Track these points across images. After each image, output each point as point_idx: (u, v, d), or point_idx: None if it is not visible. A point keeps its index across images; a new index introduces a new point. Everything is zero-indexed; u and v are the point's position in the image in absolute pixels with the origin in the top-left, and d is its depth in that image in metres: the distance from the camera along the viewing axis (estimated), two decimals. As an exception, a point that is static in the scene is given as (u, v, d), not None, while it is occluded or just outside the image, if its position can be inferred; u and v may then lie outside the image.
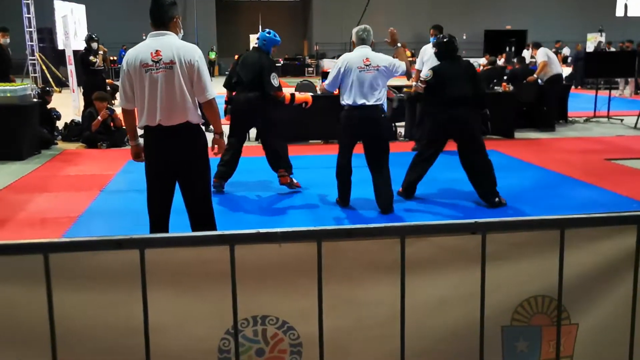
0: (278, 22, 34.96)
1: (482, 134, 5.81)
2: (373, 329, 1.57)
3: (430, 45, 8.26)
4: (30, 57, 19.12)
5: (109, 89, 12.03)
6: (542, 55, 10.44)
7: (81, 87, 10.86)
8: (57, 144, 9.06)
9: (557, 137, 9.89)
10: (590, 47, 23.07)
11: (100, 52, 9.78)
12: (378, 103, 5.11)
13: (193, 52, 3.53)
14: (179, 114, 3.53)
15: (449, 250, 1.56)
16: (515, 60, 17.55)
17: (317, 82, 12.06)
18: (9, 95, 7.84)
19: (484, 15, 32.98)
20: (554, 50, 21.52)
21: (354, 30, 5.32)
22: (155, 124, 3.54)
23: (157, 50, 3.48)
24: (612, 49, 21.56)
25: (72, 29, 13.25)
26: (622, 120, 11.45)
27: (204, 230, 3.60)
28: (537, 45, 10.96)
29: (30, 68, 19.19)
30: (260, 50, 6.01)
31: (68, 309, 1.44)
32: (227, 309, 1.45)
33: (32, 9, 18.85)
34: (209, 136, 3.72)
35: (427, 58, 8.23)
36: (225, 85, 6.41)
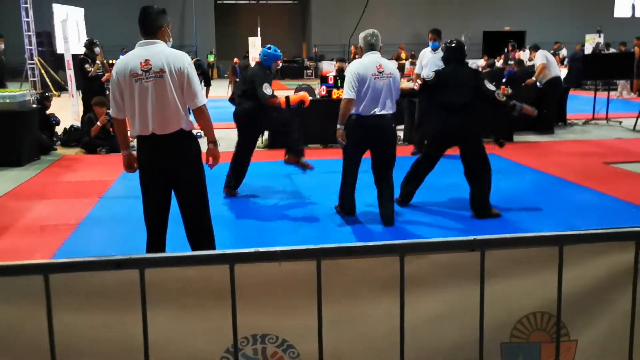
0: (277, 25, 35.05)
1: (530, 118, 5.90)
2: (373, 346, 1.58)
3: (429, 49, 8.29)
4: (29, 62, 19.12)
5: (107, 92, 12.04)
6: (541, 57, 10.45)
7: (80, 92, 10.86)
8: (56, 149, 9.07)
9: (556, 140, 9.90)
10: (588, 48, 23.09)
11: (98, 61, 9.77)
12: (391, 112, 5.00)
13: (182, 60, 3.54)
14: (172, 122, 3.53)
15: (448, 267, 1.56)
16: (512, 62, 17.57)
17: (315, 84, 12.08)
18: (8, 101, 7.85)
19: (482, 16, 33.01)
20: (552, 51, 21.57)
21: (362, 36, 5.08)
22: (148, 133, 3.54)
23: (146, 60, 3.48)
24: (612, 50, 21.58)
25: (71, 34, 13.21)
26: (620, 122, 11.46)
27: (200, 240, 3.75)
28: (535, 48, 10.98)
29: (29, 72, 19.18)
30: (261, 65, 6.08)
31: (68, 328, 1.44)
32: (227, 328, 1.45)
33: (30, 13, 18.85)
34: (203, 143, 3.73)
35: (425, 62, 8.25)
36: (230, 101, 6.55)
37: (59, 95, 17.82)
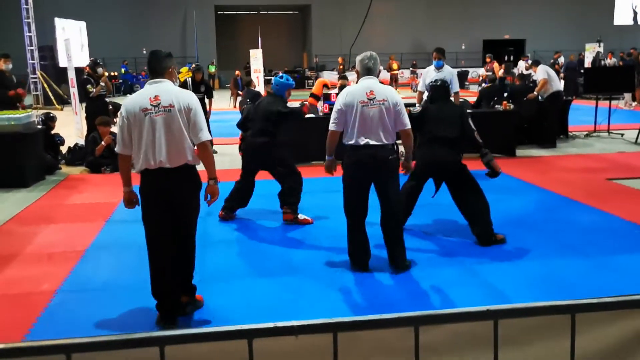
0: (277, 35, 35.24)
1: (493, 174, 5.52)
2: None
3: (432, 67, 8.32)
4: (32, 76, 19.23)
5: (110, 107, 12.10)
6: (542, 73, 10.51)
7: (83, 106, 10.92)
8: (60, 168, 9.11)
9: (558, 154, 9.93)
10: (588, 57, 23.18)
11: (102, 83, 9.84)
12: (386, 142, 4.47)
13: (190, 98, 3.76)
14: (180, 154, 3.67)
15: (462, 336, 1.59)
16: (515, 72, 17.64)
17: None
18: (13, 123, 7.90)
19: (482, 24, 33.15)
20: (552, 61, 21.66)
21: (359, 59, 4.67)
22: (155, 167, 3.64)
23: (155, 95, 3.66)
24: (614, 59, 21.64)
25: (74, 51, 13.29)
26: (622, 135, 11.49)
27: (187, 262, 3.88)
28: (536, 63, 11.04)
29: (31, 86, 19.29)
30: (274, 95, 6.08)
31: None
32: (245, 400, 1.48)
33: (33, 27, 18.98)
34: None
35: (429, 81, 8.25)
36: (238, 126, 6.55)
37: (61, 109, 17.91)
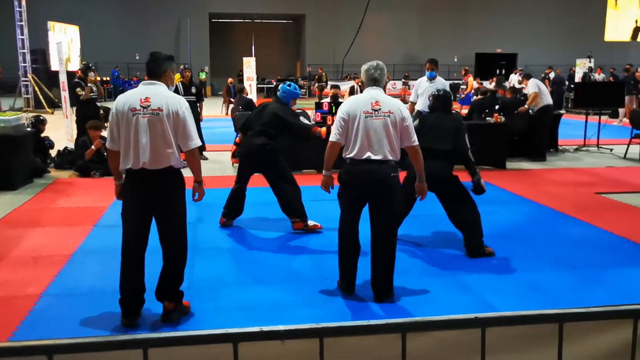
0: (271, 44, 35.31)
1: (480, 192, 5.43)
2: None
3: (425, 78, 8.37)
4: (23, 79, 19.13)
5: (101, 112, 12.04)
6: (533, 86, 10.58)
7: (74, 110, 10.86)
8: (49, 172, 9.04)
9: (548, 167, 9.98)
10: (579, 72, 23.41)
11: (90, 84, 9.78)
12: (388, 158, 4.12)
13: (180, 103, 3.74)
14: (162, 158, 3.67)
15: (449, 344, 1.58)
16: (506, 85, 17.78)
17: (310, 104, 12.16)
18: (2, 125, 7.85)
19: (474, 38, 33.40)
20: (543, 75, 21.86)
21: (364, 68, 4.35)
22: (138, 167, 3.67)
23: (146, 97, 3.68)
24: (602, 74, 21.88)
25: (66, 55, 13.23)
26: (611, 149, 11.58)
27: (176, 266, 3.84)
28: (527, 76, 11.13)
29: (22, 89, 19.18)
30: (280, 102, 6.07)
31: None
32: (229, 405, 1.46)
33: (25, 30, 18.90)
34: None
35: (422, 91, 8.31)
36: (239, 129, 6.48)
37: (52, 113, 17.81)
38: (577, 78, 22.47)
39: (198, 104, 10.51)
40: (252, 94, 19.46)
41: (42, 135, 9.52)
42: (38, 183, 8.33)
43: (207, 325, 3.81)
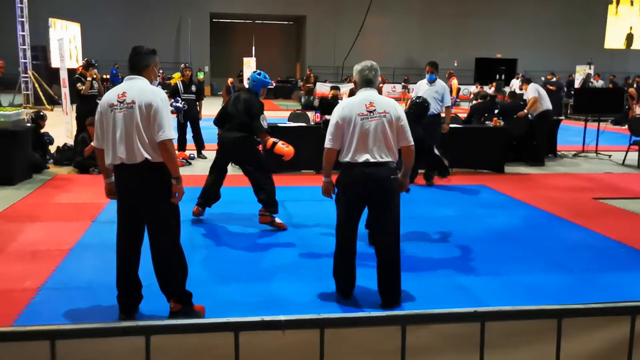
0: (271, 45, 35.32)
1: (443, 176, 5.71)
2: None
3: (425, 81, 8.39)
4: (23, 75, 19.11)
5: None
6: (533, 91, 10.60)
7: (74, 107, 10.86)
8: (48, 168, 9.03)
9: (546, 172, 10.00)
10: (578, 79, 23.48)
11: (89, 78, 9.77)
12: (387, 160, 4.05)
13: (154, 95, 3.66)
14: (137, 152, 3.64)
15: (449, 338, 1.59)
16: (506, 90, 17.82)
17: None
18: (2, 120, 7.84)
19: (475, 42, 33.46)
20: (543, 79, 21.90)
21: (357, 69, 4.23)
22: (118, 162, 3.68)
23: (123, 92, 3.68)
24: (601, 81, 21.95)
25: (67, 52, 13.23)
26: (610, 156, 11.61)
27: (164, 266, 3.80)
28: (527, 81, 11.14)
29: (22, 85, 19.17)
30: (250, 91, 6.13)
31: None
32: (229, 394, 1.47)
33: (26, 26, 18.89)
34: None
35: (421, 94, 8.31)
36: (215, 123, 6.42)
37: (51, 110, 17.80)
38: (577, 84, 22.53)
39: (197, 103, 10.53)
40: (252, 95, 19.47)
41: (42, 131, 9.52)
42: (37, 179, 8.33)
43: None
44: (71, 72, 12.91)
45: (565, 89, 22.00)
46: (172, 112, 8.37)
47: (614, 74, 26.19)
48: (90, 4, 28.65)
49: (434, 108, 8.26)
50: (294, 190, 7.98)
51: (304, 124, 9.71)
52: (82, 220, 6.24)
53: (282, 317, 1.47)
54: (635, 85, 13.42)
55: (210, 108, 19.70)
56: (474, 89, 26.18)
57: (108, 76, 26.42)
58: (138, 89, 3.67)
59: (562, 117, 13.91)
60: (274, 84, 30.45)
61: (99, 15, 28.62)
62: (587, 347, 1.63)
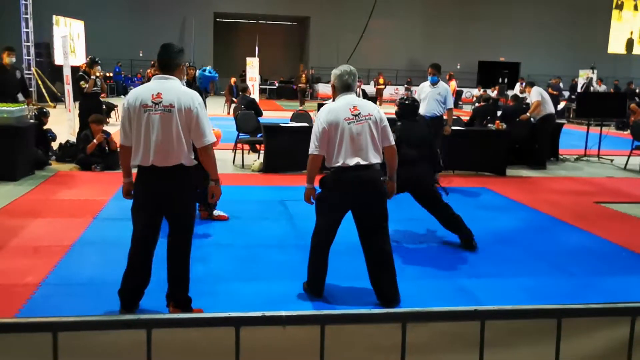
0: (275, 45, 35.36)
1: (436, 172, 5.96)
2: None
3: (427, 83, 8.39)
4: (27, 72, 19.14)
5: (104, 107, 12.06)
6: (536, 94, 10.60)
7: (77, 104, 10.88)
8: (50, 164, 9.05)
9: (548, 175, 10.00)
10: (581, 83, 23.48)
11: (93, 76, 9.79)
12: (376, 162, 4.11)
13: (193, 99, 3.63)
14: (172, 156, 3.62)
15: (448, 336, 1.59)
16: (508, 94, 17.82)
17: (313, 106, 12.18)
18: (5, 116, 7.86)
19: (478, 46, 33.44)
20: (549, 83, 21.91)
21: (337, 74, 4.23)
22: (148, 164, 3.63)
23: (158, 93, 3.61)
24: (603, 86, 21.95)
25: (70, 49, 13.25)
26: (612, 160, 11.60)
27: (178, 270, 3.83)
28: (531, 84, 11.14)
29: (25, 82, 19.18)
30: (197, 89, 6.21)
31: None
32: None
33: (30, 23, 18.94)
34: None
35: (424, 96, 8.33)
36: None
37: (54, 106, 17.84)
38: (579, 89, 22.54)
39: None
40: (254, 95, 19.48)
41: (45, 127, 9.54)
42: (39, 175, 8.34)
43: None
44: (74, 69, 12.93)
45: (564, 92, 22.02)
46: None
47: (617, 78, 26.18)
48: (94, 1, 28.68)
49: (436, 110, 8.28)
50: (295, 190, 7.94)
51: (306, 124, 9.72)
52: (83, 216, 6.25)
53: (283, 313, 1.48)
54: (637, 100, 13.43)
55: (213, 108, 19.71)
56: (476, 92, 26.18)
57: (111, 74, 26.46)
58: (175, 91, 3.61)
59: (564, 121, 13.90)
60: (277, 84, 30.43)
61: (103, 13, 28.64)
62: (587, 348, 1.64)
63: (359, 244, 4.30)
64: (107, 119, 12.59)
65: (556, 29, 33.60)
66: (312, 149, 4.10)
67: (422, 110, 8.33)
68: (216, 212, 6.28)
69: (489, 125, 10.49)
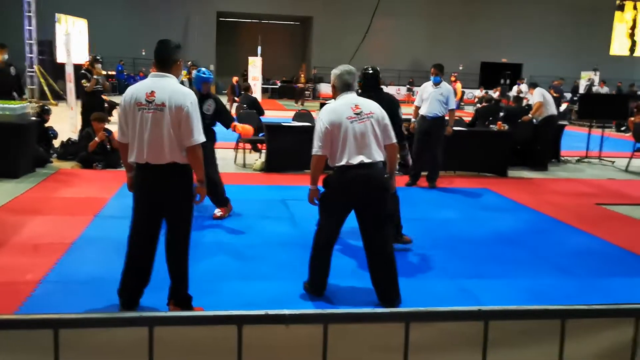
0: (277, 45, 35.31)
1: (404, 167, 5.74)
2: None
3: (430, 83, 8.37)
4: (29, 69, 19.15)
5: (106, 105, 12.06)
6: (538, 96, 10.58)
7: (79, 102, 10.89)
8: (52, 162, 9.05)
9: (549, 177, 9.99)
10: (583, 85, 23.47)
11: (95, 76, 9.78)
12: (379, 159, 4.10)
13: (185, 98, 3.61)
14: (164, 154, 3.62)
15: (452, 336, 1.58)
16: (510, 95, 17.80)
17: (315, 106, 12.17)
18: (7, 113, 7.86)
19: (481, 47, 33.41)
20: (552, 85, 21.90)
21: (337, 73, 4.25)
22: (143, 162, 3.66)
23: (152, 91, 3.62)
24: (606, 88, 21.93)
25: (73, 47, 13.26)
26: (613, 162, 11.59)
27: (176, 267, 3.81)
28: (533, 85, 11.12)
29: (27, 80, 19.20)
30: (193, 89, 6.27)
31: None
32: (231, 387, 1.46)
33: (33, 21, 18.94)
34: None
35: (426, 96, 8.31)
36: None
37: (56, 105, 17.84)
38: (581, 90, 22.53)
39: None
40: (257, 94, 19.49)
41: (46, 125, 9.54)
42: (40, 172, 8.34)
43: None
44: (76, 67, 12.93)
45: (564, 94, 21.99)
46: None
47: (620, 80, 26.14)
48: (98, 0, 28.69)
49: (438, 110, 8.26)
50: (297, 190, 7.96)
51: (308, 124, 9.71)
52: (84, 214, 6.25)
53: (286, 312, 1.47)
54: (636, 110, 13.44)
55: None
56: (478, 92, 26.17)
57: (113, 72, 26.46)
58: (169, 89, 3.61)
59: (566, 123, 13.88)
60: (279, 84, 30.40)
61: (105, 12, 28.63)
62: (590, 349, 1.63)
63: (360, 243, 4.29)
64: (109, 117, 12.58)
65: (559, 30, 33.56)
66: (316, 149, 4.09)
67: (424, 110, 8.33)
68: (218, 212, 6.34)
69: (491, 126, 10.47)
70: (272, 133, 9.42)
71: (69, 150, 9.39)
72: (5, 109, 7.92)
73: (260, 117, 10.47)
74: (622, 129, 17.33)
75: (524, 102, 12.27)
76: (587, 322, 1.61)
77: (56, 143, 9.76)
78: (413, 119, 8.64)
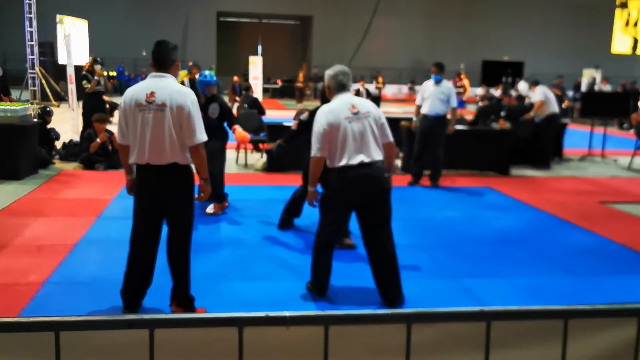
0: (278, 44, 35.33)
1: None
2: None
3: (431, 82, 8.35)
4: (30, 71, 19.16)
5: (107, 106, 12.06)
6: (540, 94, 10.55)
7: (80, 103, 10.89)
8: (54, 163, 9.06)
9: (552, 175, 9.97)
10: (584, 83, 23.42)
11: (96, 77, 9.79)
12: (378, 158, 4.10)
13: (185, 98, 3.63)
14: (166, 154, 3.63)
15: (454, 337, 1.58)
16: (512, 93, 17.78)
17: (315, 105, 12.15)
18: (9, 115, 7.87)
19: (482, 45, 33.37)
20: (553, 84, 21.86)
21: (330, 74, 4.26)
22: (144, 162, 3.67)
23: (152, 92, 3.63)
24: (609, 86, 21.88)
25: (74, 48, 13.27)
26: (615, 160, 11.56)
27: (177, 268, 3.82)
28: (535, 83, 11.10)
29: (29, 81, 19.21)
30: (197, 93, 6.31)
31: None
32: (232, 389, 1.46)
33: (34, 22, 18.93)
34: None
35: (427, 95, 8.30)
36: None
37: (58, 106, 17.85)
38: (583, 88, 22.48)
39: None
40: (257, 94, 19.49)
41: (48, 126, 9.55)
42: (42, 174, 8.35)
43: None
44: (78, 68, 12.94)
45: (566, 92, 21.94)
46: None
47: (622, 78, 26.08)
48: (98, 0, 28.73)
49: (439, 109, 8.24)
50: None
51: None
52: (87, 215, 6.25)
53: (287, 313, 1.47)
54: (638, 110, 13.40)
55: (216, 106, 19.66)
56: (480, 91, 26.11)
57: (114, 73, 26.49)
58: (169, 89, 3.62)
59: (568, 121, 13.87)
60: (280, 83, 30.40)
61: (106, 13, 28.68)
62: (593, 349, 1.62)
63: (360, 243, 4.29)
64: (111, 118, 12.60)
65: (560, 28, 33.52)
66: (315, 151, 4.08)
67: (426, 109, 8.31)
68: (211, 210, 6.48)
69: (493, 124, 10.45)
70: (274, 133, 9.41)
71: (71, 152, 9.40)
72: (7, 110, 7.93)
73: (262, 117, 10.46)
74: (624, 126, 17.31)
75: (526, 101, 12.24)
76: (590, 322, 1.61)
77: (58, 144, 9.78)
78: (414, 118, 8.63)
